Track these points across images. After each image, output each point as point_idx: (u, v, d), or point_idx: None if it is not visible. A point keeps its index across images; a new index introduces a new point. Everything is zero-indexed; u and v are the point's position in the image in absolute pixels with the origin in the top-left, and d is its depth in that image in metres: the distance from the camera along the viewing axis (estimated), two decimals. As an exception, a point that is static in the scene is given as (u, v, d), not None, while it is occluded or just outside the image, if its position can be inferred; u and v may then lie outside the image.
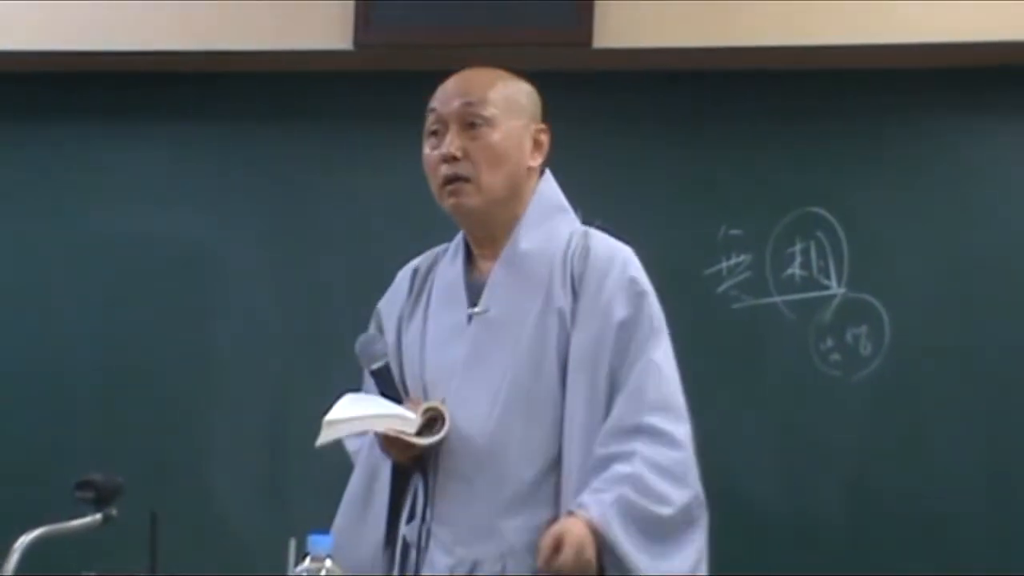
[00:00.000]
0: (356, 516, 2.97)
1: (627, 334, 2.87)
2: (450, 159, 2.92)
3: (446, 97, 2.99)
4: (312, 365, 4.83)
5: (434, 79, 4.79)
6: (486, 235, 2.99)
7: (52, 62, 4.94)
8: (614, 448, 2.81)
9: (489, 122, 2.94)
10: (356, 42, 4.75)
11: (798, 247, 4.66)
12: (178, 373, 4.91)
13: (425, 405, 2.86)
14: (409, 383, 2.99)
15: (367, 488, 2.97)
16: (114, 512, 3.16)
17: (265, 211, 4.96)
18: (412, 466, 2.92)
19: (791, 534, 4.54)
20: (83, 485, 3.15)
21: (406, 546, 2.89)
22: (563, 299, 2.90)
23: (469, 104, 2.94)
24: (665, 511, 2.80)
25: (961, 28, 4.44)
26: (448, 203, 2.96)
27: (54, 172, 5.07)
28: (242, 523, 4.78)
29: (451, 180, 2.93)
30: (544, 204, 3.01)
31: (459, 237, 3.08)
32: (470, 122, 2.94)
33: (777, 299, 4.66)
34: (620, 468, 2.80)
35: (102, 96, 5.04)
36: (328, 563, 3.33)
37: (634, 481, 2.79)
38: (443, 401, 2.85)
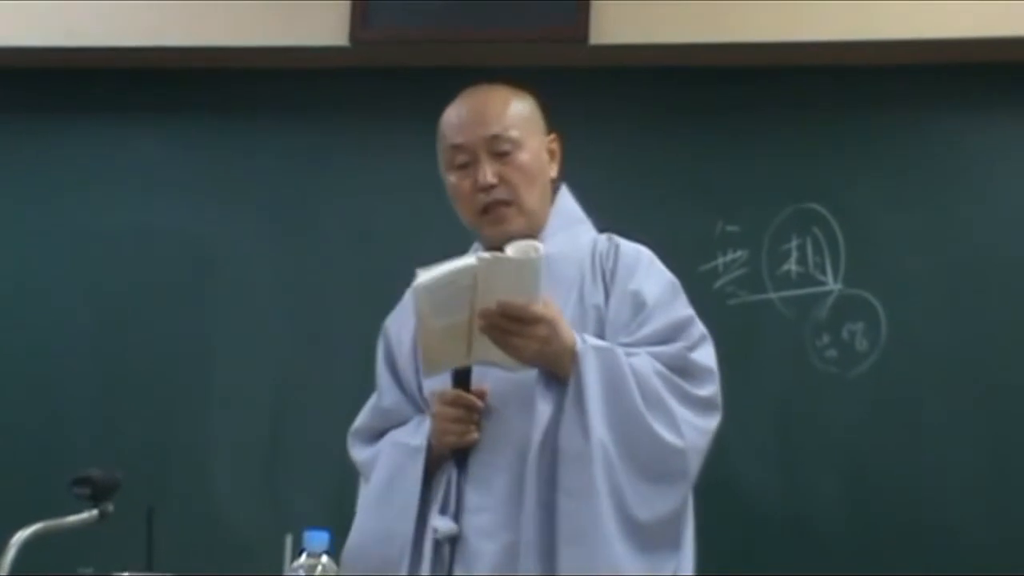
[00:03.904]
0: (379, 514, 2.94)
1: (659, 313, 2.91)
2: (488, 188, 2.94)
3: (467, 128, 2.98)
4: (310, 362, 4.84)
5: (430, 75, 4.82)
6: None
7: (51, 58, 4.95)
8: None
9: (516, 144, 2.96)
10: (352, 38, 4.76)
11: (794, 243, 4.66)
12: (176, 370, 4.91)
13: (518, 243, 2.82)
14: (431, 388, 2.97)
15: (388, 487, 2.94)
16: (111, 508, 3.17)
17: (261, 207, 4.96)
18: (440, 461, 2.90)
19: (788, 530, 4.54)
20: (80, 481, 3.16)
21: (435, 537, 2.87)
22: (597, 296, 2.93)
23: (496, 137, 2.95)
24: (644, 410, 2.80)
25: (958, 23, 4.45)
26: (490, 232, 2.97)
27: (52, 168, 5.07)
28: (239, 520, 4.78)
29: (491, 207, 2.95)
30: (564, 214, 3.05)
31: (476, 247, 3.06)
32: (499, 151, 2.95)
33: (773, 295, 4.66)
34: (639, 359, 2.83)
35: (97, 92, 5.04)
36: (324, 559, 3.33)
37: (640, 372, 2.82)
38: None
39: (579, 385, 2.79)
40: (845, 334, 4.60)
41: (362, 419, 3.13)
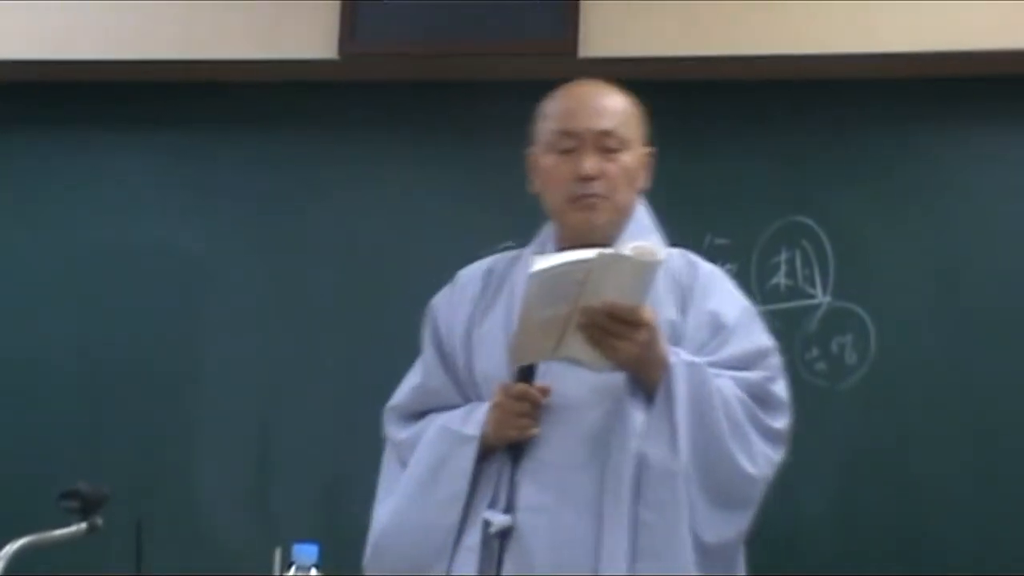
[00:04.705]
0: (420, 501, 2.90)
1: (739, 337, 2.93)
2: (588, 179, 2.93)
3: (581, 116, 2.98)
4: (299, 375, 4.83)
5: (419, 88, 4.82)
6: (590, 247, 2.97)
7: (39, 72, 4.94)
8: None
9: (624, 144, 2.97)
10: (341, 52, 4.75)
11: (783, 256, 4.67)
12: (164, 383, 4.90)
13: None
14: (485, 373, 2.96)
15: (433, 474, 2.90)
16: (99, 521, 3.16)
17: (250, 220, 4.95)
18: (489, 453, 2.87)
19: (776, 543, 4.52)
20: (68, 495, 3.15)
21: (487, 531, 2.82)
22: (670, 310, 2.91)
23: (608, 132, 2.95)
24: (728, 436, 2.81)
25: (949, 37, 4.45)
26: (576, 217, 2.95)
27: (40, 182, 5.06)
28: (228, 533, 4.77)
29: (584, 197, 2.93)
30: (642, 223, 3.03)
31: (546, 239, 3.05)
32: (607, 146, 2.95)
33: (762, 308, 4.62)
34: (723, 381, 2.85)
35: (87, 105, 5.03)
36: (313, 572, 3.33)
37: (725, 395, 2.83)
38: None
39: (669, 398, 2.79)
40: (834, 347, 4.60)
41: (402, 396, 3.09)
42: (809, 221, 4.67)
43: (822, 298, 4.63)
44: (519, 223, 4.59)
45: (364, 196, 4.89)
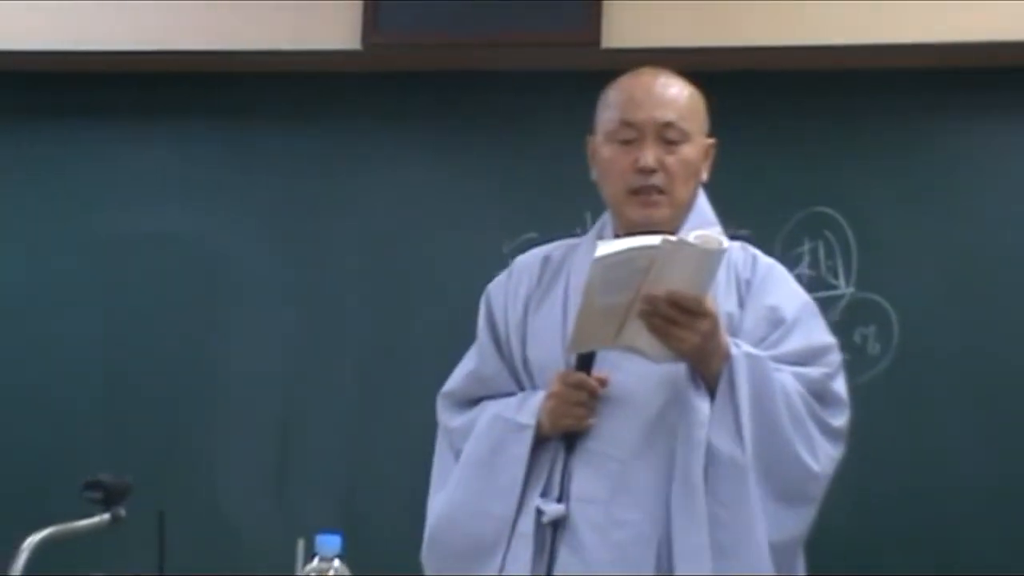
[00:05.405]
0: (475, 489, 2.91)
1: (798, 333, 2.91)
2: (648, 171, 2.92)
3: (643, 107, 2.97)
4: (318, 365, 4.84)
5: (442, 79, 4.81)
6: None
7: (60, 62, 4.94)
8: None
9: (685, 136, 2.96)
10: (364, 42, 4.76)
11: (806, 247, 4.66)
12: (185, 373, 4.91)
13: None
14: (538, 361, 2.96)
15: (487, 462, 2.91)
16: (122, 512, 3.16)
17: (273, 212, 4.96)
18: (543, 442, 2.87)
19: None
20: (91, 485, 3.15)
21: (540, 520, 2.83)
22: (730, 303, 2.91)
23: (670, 124, 2.94)
24: (788, 427, 2.80)
25: (971, 28, 4.44)
26: (636, 212, 2.94)
27: (60, 172, 5.07)
28: (250, 523, 4.78)
29: (644, 190, 2.93)
30: (702, 215, 3.02)
31: (604, 229, 3.04)
32: (668, 138, 2.94)
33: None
34: (784, 376, 2.83)
35: (110, 96, 5.04)
36: (336, 563, 3.33)
37: (787, 389, 2.81)
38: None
39: (732, 390, 2.78)
40: (857, 337, 4.59)
41: (456, 383, 3.09)
42: (832, 212, 4.66)
43: (845, 289, 4.62)
44: (542, 214, 4.62)
45: (388, 187, 4.89)
